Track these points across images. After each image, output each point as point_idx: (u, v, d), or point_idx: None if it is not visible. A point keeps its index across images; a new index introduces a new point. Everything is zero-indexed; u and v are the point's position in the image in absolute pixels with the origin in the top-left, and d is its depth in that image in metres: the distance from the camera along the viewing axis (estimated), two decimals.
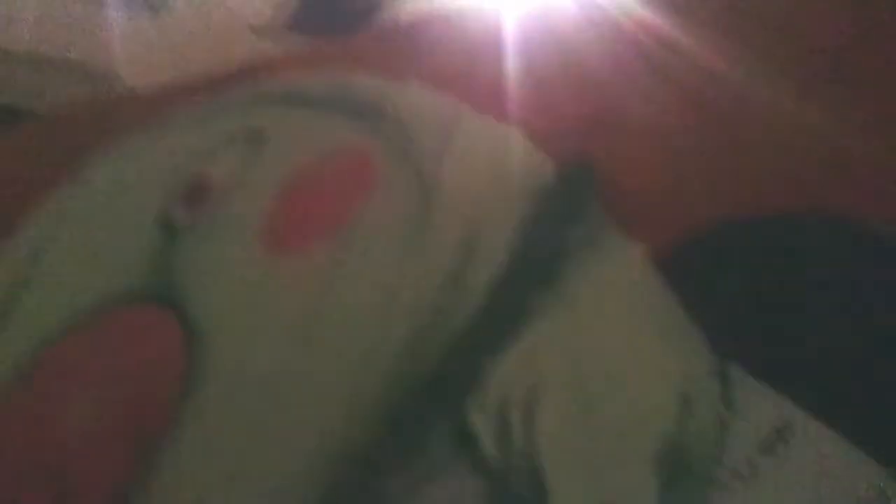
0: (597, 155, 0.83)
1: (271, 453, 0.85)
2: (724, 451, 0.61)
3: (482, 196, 0.87)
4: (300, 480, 0.80)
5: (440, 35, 1.19)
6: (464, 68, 1.08)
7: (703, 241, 0.71)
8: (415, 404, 0.78)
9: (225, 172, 1.21)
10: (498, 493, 0.69)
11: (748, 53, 0.89)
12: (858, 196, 0.78)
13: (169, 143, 1.33)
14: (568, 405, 0.69)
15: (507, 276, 0.79)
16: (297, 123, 1.23)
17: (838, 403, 0.66)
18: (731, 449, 0.61)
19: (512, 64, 1.06)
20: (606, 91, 0.91)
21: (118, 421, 1.02)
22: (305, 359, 0.89)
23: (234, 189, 1.18)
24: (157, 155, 1.31)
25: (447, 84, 1.07)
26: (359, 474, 0.77)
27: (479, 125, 0.98)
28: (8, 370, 1.15)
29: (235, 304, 1.02)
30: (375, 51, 1.25)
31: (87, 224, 1.31)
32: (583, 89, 0.92)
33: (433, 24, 1.23)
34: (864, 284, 0.71)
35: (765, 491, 0.59)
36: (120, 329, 1.13)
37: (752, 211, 0.71)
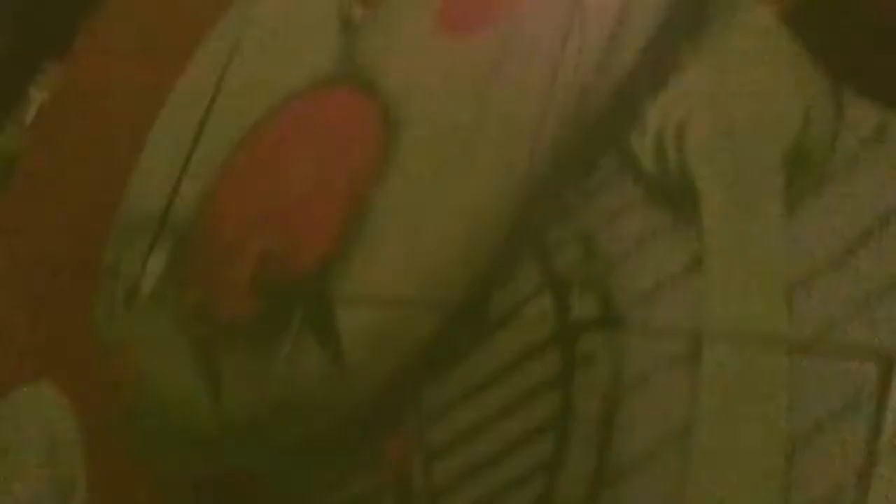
0: None
1: (469, 187, 1.08)
2: (835, 150, 0.81)
3: None
4: (495, 204, 1.02)
5: None
6: None
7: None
8: (586, 137, 0.99)
9: None
10: (654, 197, 0.91)
11: None
12: None
13: None
14: (713, 128, 0.89)
15: (658, 38, 0.98)
16: None
17: None
18: (839, 147, 0.80)
19: None
20: None
21: (333, 176, 1.26)
22: (489, 115, 1.10)
23: None
24: None
25: None
26: (541, 194, 1.00)
27: None
28: (227, 141, 1.41)
29: (421, 77, 1.23)
30: None
31: (275, 23, 1.53)
32: None
33: None
34: None
35: (866, 175, 0.78)
36: (323, 105, 1.36)
37: None
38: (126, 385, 1.31)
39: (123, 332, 1.40)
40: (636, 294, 0.86)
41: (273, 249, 1.25)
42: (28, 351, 1.59)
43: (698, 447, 0.77)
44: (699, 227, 0.85)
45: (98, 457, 1.34)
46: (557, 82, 1.07)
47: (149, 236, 1.46)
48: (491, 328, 0.95)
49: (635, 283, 0.87)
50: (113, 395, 1.33)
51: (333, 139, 1.30)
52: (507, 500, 0.86)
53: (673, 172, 0.90)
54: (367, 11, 1.42)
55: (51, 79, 1.80)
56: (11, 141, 1.80)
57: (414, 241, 1.07)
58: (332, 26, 1.44)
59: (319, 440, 1.04)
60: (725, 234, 0.83)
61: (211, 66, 1.54)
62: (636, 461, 0.80)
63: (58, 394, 1.44)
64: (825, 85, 0.83)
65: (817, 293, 0.77)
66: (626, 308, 0.86)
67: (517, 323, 0.93)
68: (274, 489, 1.07)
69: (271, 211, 1.30)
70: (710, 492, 0.76)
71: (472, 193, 1.06)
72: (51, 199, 1.60)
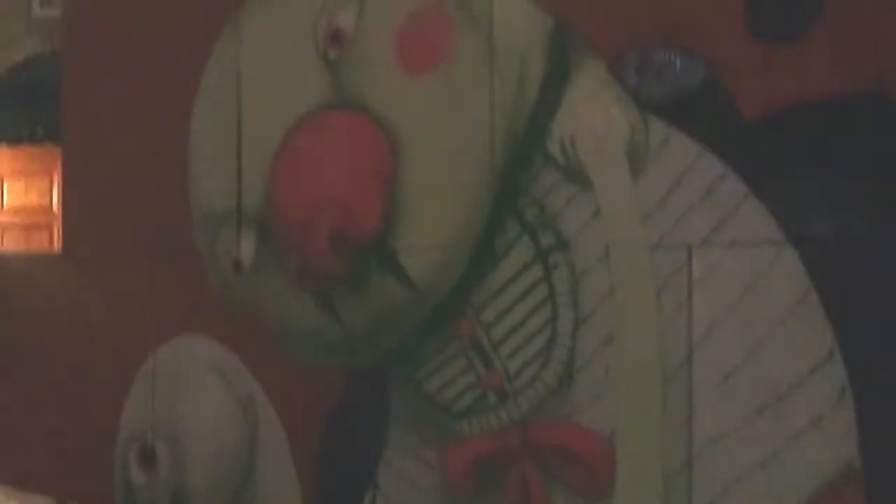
0: None
1: (458, 175, 1.89)
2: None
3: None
4: (478, 187, 1.85)
5: None
6: None
7: None
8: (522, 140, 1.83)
9: (350, 21, 2.13)
10: (567, 177, 1.78)
11: None
12: None
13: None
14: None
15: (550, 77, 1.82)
16: None
17: None
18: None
19: None
20: None
21: (363, 168, 2.01)
22: (461, 130, 1.91)
23: (361, 31, 2.10)
24: (300, 7, 2.19)
25: None
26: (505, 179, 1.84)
27: None
28: (264, 151, 2.14)
29: (400, 103, 1.99)
30: None
31: (263, 61, 2.23)
32: None
33: None
34: None
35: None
36: (332, 122, 2.09)
37: None
38: (266, 326, 2.13)
39: (242, 294, 2.19)
40: (575, 228, 1.76)
41: (338, 225, 2.04)
42: (167, 314, 2.37)
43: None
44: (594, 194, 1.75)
45: (263, 371, 2.18)
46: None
47: (231, 224, 2.23)
48: (499, 256, 1.83)
49: (571, 223, 1.76)
50: (258, 334, 2.15)
51: (352, 144, 2.07)
52: (529, 345, 1.79)
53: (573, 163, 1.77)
54: (338, 51, 2.15)
55: None
56: None
57: (435, 214, 1.91)
58: (316, 61, 2.17)
59: (414, 332, 1.92)
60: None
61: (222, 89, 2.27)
62: (593, 308, 1.74)
63: (213, 340, 2.26)
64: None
65: None
66: (571, 236, 1.76)
67: (514, 251, 1.81)
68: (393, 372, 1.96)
69: (326, 197, 2.07)
70: None
71: (462, 179, 1.90)
72: None
